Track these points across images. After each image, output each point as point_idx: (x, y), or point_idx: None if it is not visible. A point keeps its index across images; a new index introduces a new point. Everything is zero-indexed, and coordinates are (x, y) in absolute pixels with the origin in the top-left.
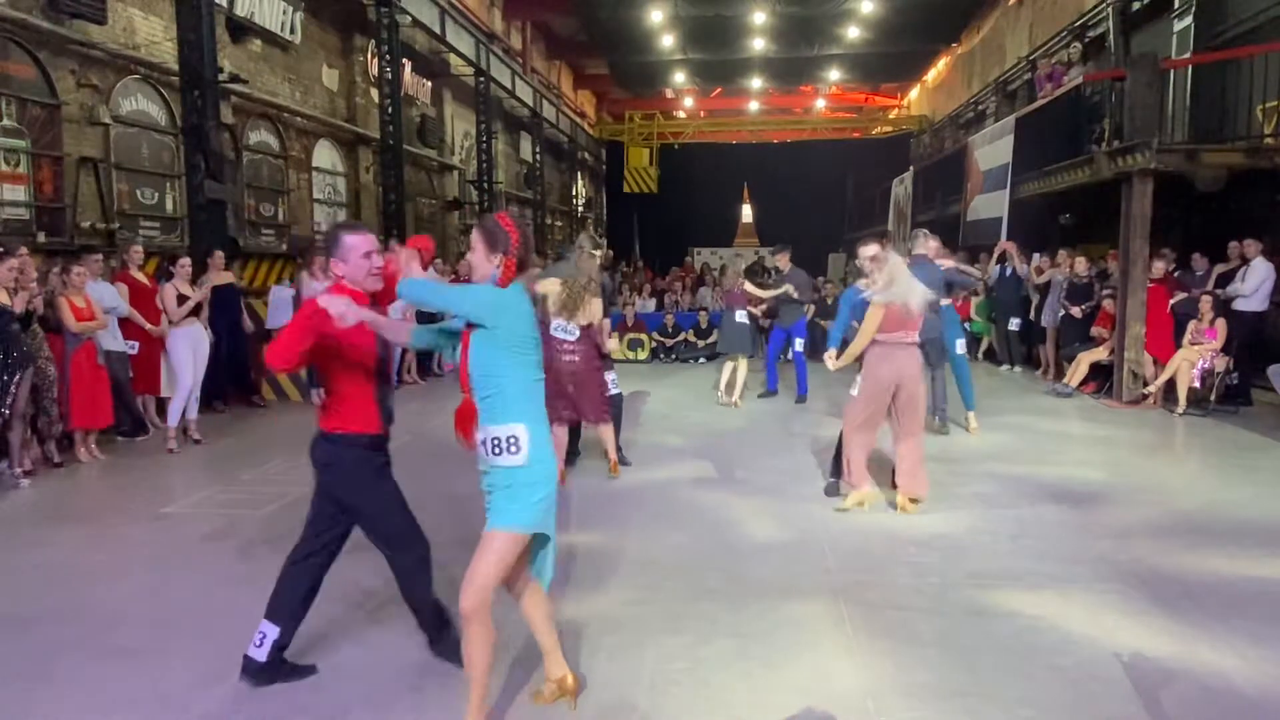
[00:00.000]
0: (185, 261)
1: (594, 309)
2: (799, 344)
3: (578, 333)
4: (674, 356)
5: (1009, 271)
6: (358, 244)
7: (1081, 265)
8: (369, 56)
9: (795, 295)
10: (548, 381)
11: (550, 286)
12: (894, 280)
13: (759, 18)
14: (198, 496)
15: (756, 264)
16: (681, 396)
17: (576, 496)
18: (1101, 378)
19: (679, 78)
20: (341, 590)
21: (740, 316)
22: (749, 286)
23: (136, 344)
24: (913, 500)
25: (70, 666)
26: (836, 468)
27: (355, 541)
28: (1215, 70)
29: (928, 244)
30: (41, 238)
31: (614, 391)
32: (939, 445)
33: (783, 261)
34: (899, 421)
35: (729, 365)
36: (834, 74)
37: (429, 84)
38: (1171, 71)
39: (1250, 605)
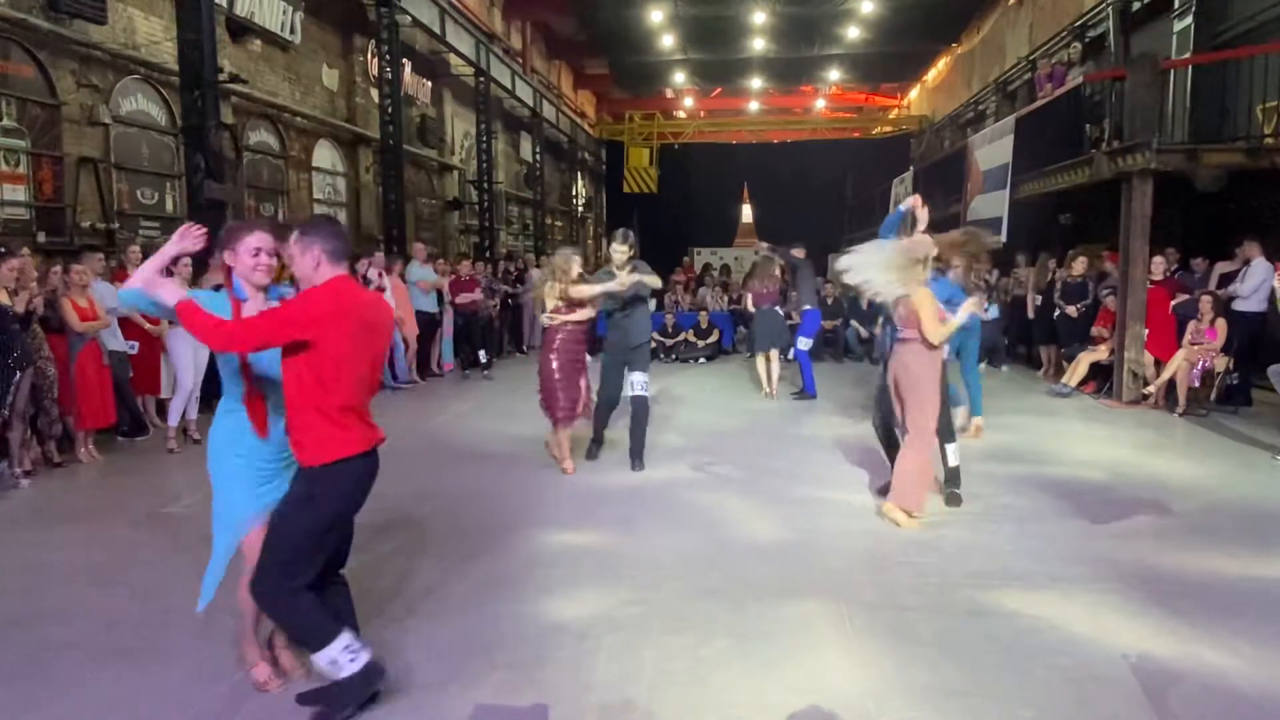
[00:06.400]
0: (185, 261)
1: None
2: (803, 343)
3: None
4: (674, 356)
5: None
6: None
7: (1079, 266)
8: (369, 56)
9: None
10: (548, 379)
11: (586, 290)
12: None
13: (759, 18)
14: (198, 496)
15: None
16: (682, 396)
17: (576, 496)
18: (1101, 378)
19: (679, 78)
20: None
21: (778, 311)
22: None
23: (136, 344)
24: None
25: (69, 666)
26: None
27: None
28: (1215, 70)
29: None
30: (41, 238)
31: (643, 393)
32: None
33: (799, 252)
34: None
35: (762, 359)
36: (834, 74)
37: (429, 84)
38: (1171, 71)
39: (1251, 605)
